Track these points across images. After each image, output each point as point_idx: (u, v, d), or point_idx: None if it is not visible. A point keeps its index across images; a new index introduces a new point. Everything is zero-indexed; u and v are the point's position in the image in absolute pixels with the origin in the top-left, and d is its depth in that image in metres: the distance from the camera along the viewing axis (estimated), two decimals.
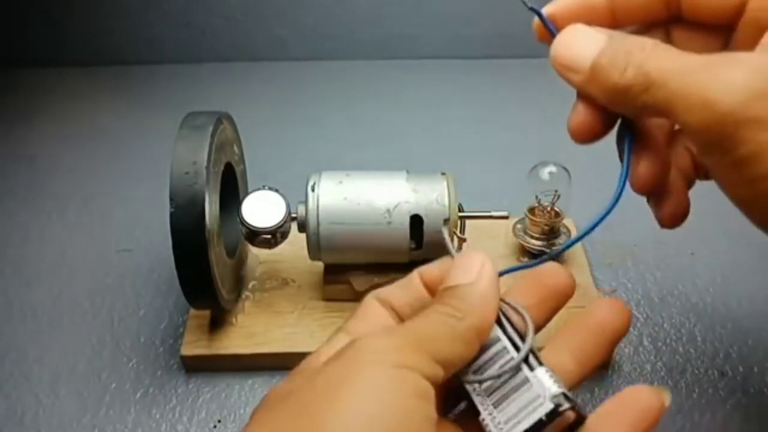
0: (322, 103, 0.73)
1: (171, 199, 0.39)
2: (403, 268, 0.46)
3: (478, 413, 0.28)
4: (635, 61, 0.27)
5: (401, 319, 0.30)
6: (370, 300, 0.31)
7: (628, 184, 0.30)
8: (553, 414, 0.26)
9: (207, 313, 0.47)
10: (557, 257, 0.31)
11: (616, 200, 0.29)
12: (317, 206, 0.44)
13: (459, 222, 0.45)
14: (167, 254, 0.40)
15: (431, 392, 0.25)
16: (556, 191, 0.49)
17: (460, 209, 0.45)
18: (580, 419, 0.27)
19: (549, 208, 0.50)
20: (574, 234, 0.51)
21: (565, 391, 0.26)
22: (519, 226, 0.51)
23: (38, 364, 0.47)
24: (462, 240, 0.45)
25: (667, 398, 0.27)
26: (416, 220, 0.44)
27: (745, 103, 0.24)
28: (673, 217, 0.32)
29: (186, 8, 0.76)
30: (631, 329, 0.48)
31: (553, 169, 0.49)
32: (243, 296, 0.48)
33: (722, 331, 0.48)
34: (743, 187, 0.26)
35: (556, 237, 0.50)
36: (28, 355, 0.47)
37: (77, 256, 0.55)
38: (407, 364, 0.25)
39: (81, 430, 0.43)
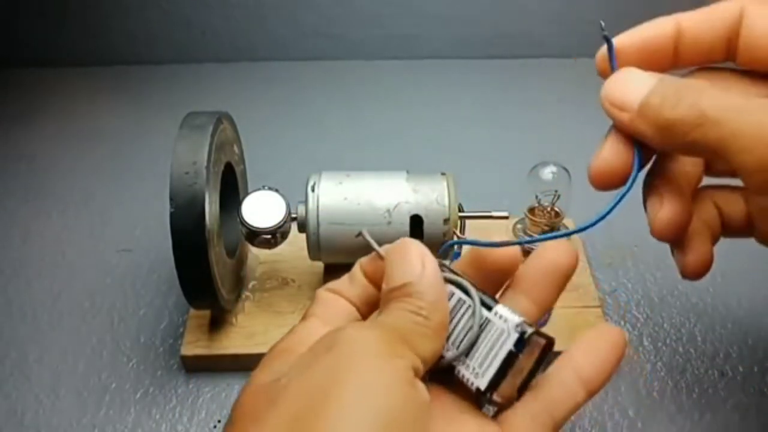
0: (322, 103, 0.73)
1: (171, 199, 0.39)
2: None
3: (452, 369, 0.28)
4: (688, 98, 0.27)
5: (357, 309, 0.31)
6: (324, 293, 0.32)
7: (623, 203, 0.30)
8: (521, 342, 0.27)
9: (207, 313, 0.47)
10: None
11: (609, 211, 0.29)
12: (317, 206, 0.44)
13: (459, 222, 0.45)
14: (167, 254, 0.40)
15: (419, 380, 0.26)
16: (556, 191, 0.49)
17: (460, 209, 0.45)
18: (550, 345, 0.27)
19: (549, 208, 0.50)
20: None
21: (526, 320, 0.27)
22: (519, 226, 0.51)
23: (38, 364, 0.47)
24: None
25: (626, 336, 0.30)
26: (416, 220, 0.44)
27: None
28: (695, 268, 0.32)
29: (186, 8, 0.76)
30: (630, 329, 0.48)
31: (553, 169, 0.49)
32: (243, 296, 0.48)
33: (722, 331, 0.48)
34: None
35: None
36: (28, 355, 0.47)
37: (77, 256, 0.55)
38: (398, 354, 0.26)
39: (81, 430, 0.43)
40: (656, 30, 0.31)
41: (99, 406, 0.44)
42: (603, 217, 0.29)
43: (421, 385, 0.26)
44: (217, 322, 0.46)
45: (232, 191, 0.48)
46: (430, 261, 0.29)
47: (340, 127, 0.70)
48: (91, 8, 0.75)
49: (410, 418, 0.24)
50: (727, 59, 0.31)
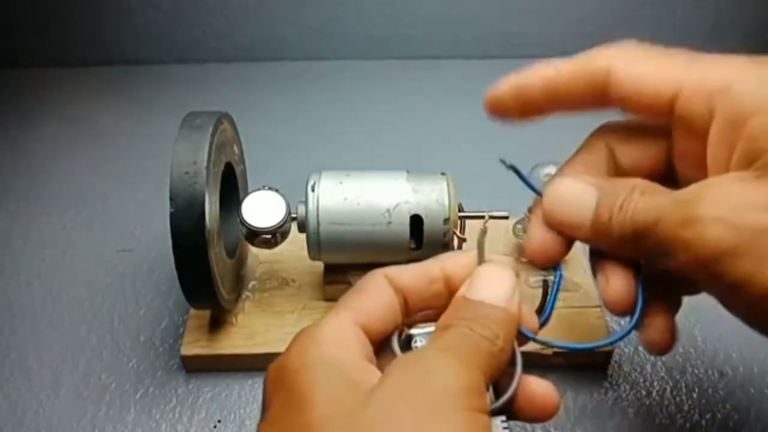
0: (322, 103, 0.73)
1: (171, 199, 0.39)
2: None
3: None
4: (629, 215, 0.28)
5: (406, 302, 0.30)
6: (378, 276, 0.30)
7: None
8: None
9: (207, 313, 0.47)
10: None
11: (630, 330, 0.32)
12: (317, 206, 0.44)
13: (459, 222, 0.45)
14: (167, 254, 0.40)
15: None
16: None
17: (460, 209, 0.45)
18: None
19: None
20: None
21: None
22: (519, 226, 0.51)
23: (38, 364, 0.47)
24: (462, 240, 0.45)
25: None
26: (416, 220, 0.44)
27: (721, 259, 0.25)
28: (657, 344, 0.33)
29: (186, 8, 0.76)
30: None
31: (552, 169, 0.49)
32: (243, 296, 0.48)
33: (722, 331, 0.48)
34: (744, 311, 0.29)
35: None
36: (28, 355, 0.47)
37: (77, 256, 0.55)
38: (478, 408, 0.25)
39: (81, 430, 0.43)
40: (527, 79, 0.33)
41: (99, 406, 0.44)
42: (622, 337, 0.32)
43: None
44: (217, 322, 0.46)
45: (232, 191, 0.48)
46: (518, 298, 0.29)
47: (340, 127, 0.70)
48: (91, 8, 0.75)
49: None
50: (600, 106, 0.32)
